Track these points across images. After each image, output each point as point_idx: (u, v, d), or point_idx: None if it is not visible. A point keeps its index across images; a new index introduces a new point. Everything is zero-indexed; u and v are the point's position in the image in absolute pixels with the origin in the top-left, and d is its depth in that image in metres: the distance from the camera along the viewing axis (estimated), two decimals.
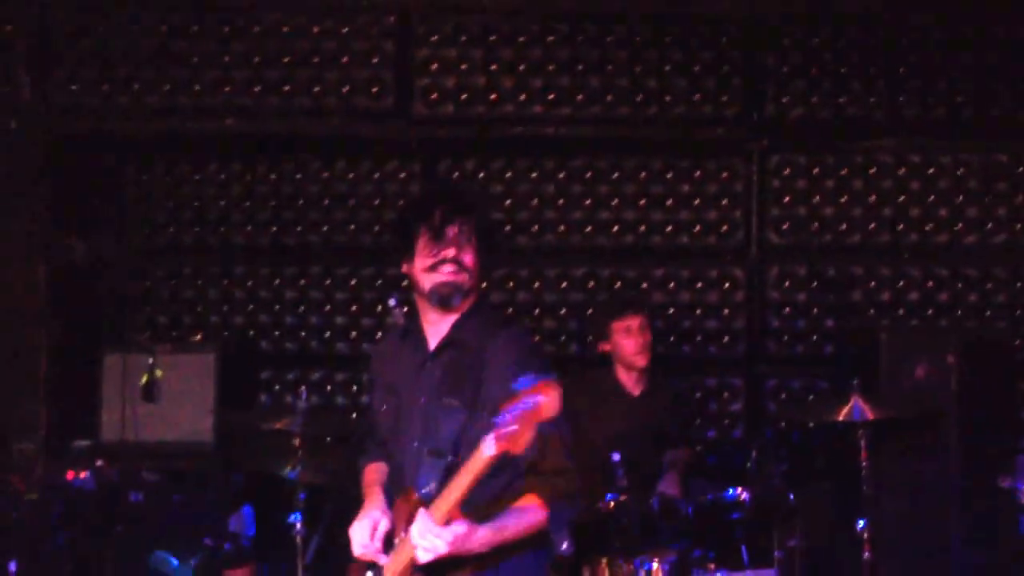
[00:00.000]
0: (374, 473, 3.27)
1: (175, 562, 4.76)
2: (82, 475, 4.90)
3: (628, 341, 4.87)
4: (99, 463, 5.11)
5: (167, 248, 6.13)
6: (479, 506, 2.89)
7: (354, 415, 5.91)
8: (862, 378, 4.56)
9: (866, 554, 4.36)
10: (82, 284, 5.95)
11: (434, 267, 3.04)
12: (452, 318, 3.09)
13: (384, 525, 3.03)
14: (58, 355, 5.68)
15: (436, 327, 3.12)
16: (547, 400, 2.62)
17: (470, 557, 2.89)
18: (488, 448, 2.69)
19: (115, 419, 5.50)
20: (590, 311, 5.68)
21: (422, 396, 3.08)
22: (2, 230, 5.70)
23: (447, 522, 2.81)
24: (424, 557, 2.85)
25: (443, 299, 3.05)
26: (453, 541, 2.80)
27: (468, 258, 3.04)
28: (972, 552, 5.10)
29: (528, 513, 2.96)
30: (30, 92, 5.77)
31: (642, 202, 5.99)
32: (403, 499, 3.00)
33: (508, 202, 5.99)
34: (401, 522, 2.98)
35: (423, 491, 2.94)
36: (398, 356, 3.18)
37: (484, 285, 3.19)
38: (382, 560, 3.03)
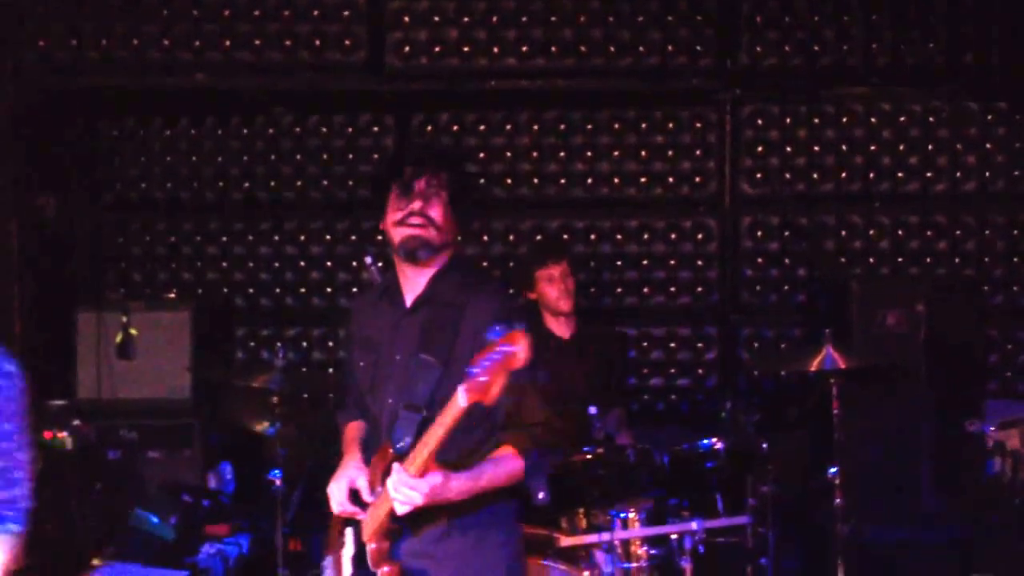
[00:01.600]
0: (353, 430, 3.29)
1: (155, 519, 4.79)
2: (59, 434, 4.91)
3: (551, 288, 4.88)
4: (76, 422, 5.11)
5: (139, 204, 6.09)
6: (456, 458, 2.92)
7: (330, 371, 5.93)
8: (834, 327, 4.60)
9: (837, 500, 4.42)
10: (54, 242, 5.90)
11: (401, 221, 3.04)
12: (428, 274, 3.10)
13: (361, 482, 3.06)
14: (31, 314, 5.65)
15: (413, 283, 3.12)
16: (516, 350, 2.64)
17: (445, 507, 2.92)
18: (461, 399, 2.72)
19: (91, 377, 5.50)
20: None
21: (398, 352, 3.09)
22: None
23: (422, 474, 2.83)
24: (401, 509, 2.88)
25: (409, 252, 3.06)
26: (429, 492, 2.83)
27: (435, 212, 3.04)
28: (942, 497, 5.19)
29: (504, 463, 2.99)
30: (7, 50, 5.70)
31: (616, 153, 5.99)
32: (379, 455, 3.03)
33: (482, 155, 5.99)
34: (378, 477, 3.01)
35: (398, 446, 2.96)
36: (376, 312, 3.19)
37: (459, 239, 3.18)
38: (360, 516, 3.06)
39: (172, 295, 5.94)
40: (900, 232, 5.92)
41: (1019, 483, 4.68)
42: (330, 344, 6.03)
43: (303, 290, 6.07)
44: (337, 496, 3.09)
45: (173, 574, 4.53)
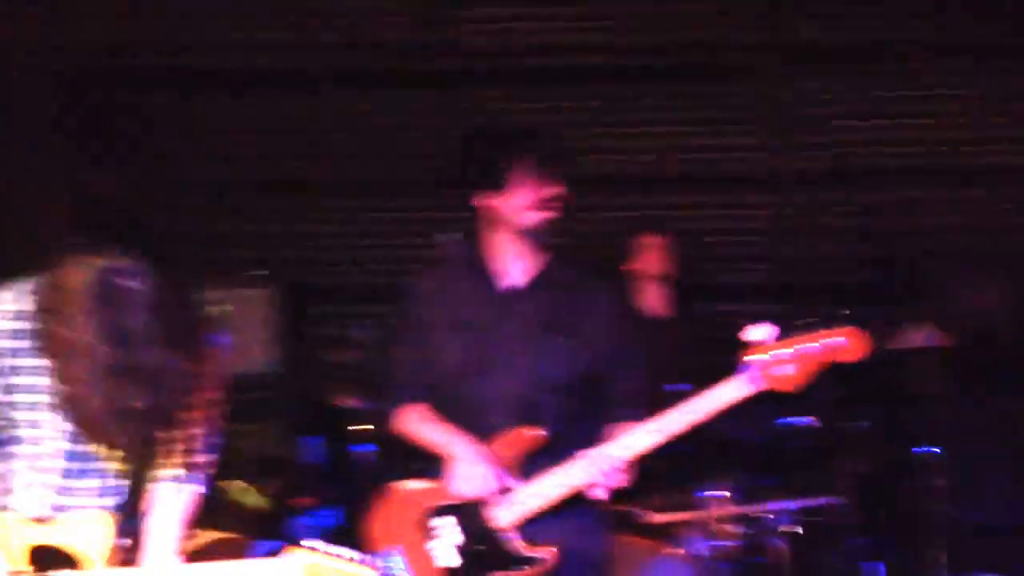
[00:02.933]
0: (431, 412, 3.18)
1: (248, 491, 4.88)
2: None
3: (651, 256, 4.95)
4: None
5: (215, 184, 6.16)
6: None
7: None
8: (917, 304, 4.58)
9: (938, 482, 4.42)
10: (118, 221, 5.97)
11: (543, 204, 3.05)
12: (538, 255, 3.10)
13: (497, 468, 3.01)
14: None
15: (516, 264, 3.11)
16: (850, 344, 2.65)
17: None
18: (746, 385, 2.75)
19: None
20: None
21: (509, 333, 3.06)
22: (35, 168, 5.71)
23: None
24: (601, 494, 2.94)
25: (542, 236, 3.08)
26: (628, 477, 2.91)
27: (564, 195, 3.09)
28: None
29: None
30: (53, 31, 5.73)
31: (679, 129, 5.95)
32: (509, 438, 3.00)
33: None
34: (509, 462, 3.00)
35: (540, 432, 2.96)
36: (465, 292, 3.14)
37: None
38: (502, 499, 3.02)
39: (254, 272, 6.03)
40: (969, 206, 5.84)
41: None
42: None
43: (373, 266, 6.11)
44: (482, 482, 3.00)
45: (270, 544, 4.61)
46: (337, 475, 5.33)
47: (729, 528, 4.20)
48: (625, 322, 3.11)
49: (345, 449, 5.00)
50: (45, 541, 2.68)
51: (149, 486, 2.66)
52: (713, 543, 4.15)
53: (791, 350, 2.67)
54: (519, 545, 3.00)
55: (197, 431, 2.71)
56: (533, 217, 3.06)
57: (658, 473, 4.21)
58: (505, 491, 3.03)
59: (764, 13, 5.74)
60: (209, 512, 4.85)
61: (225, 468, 5.05)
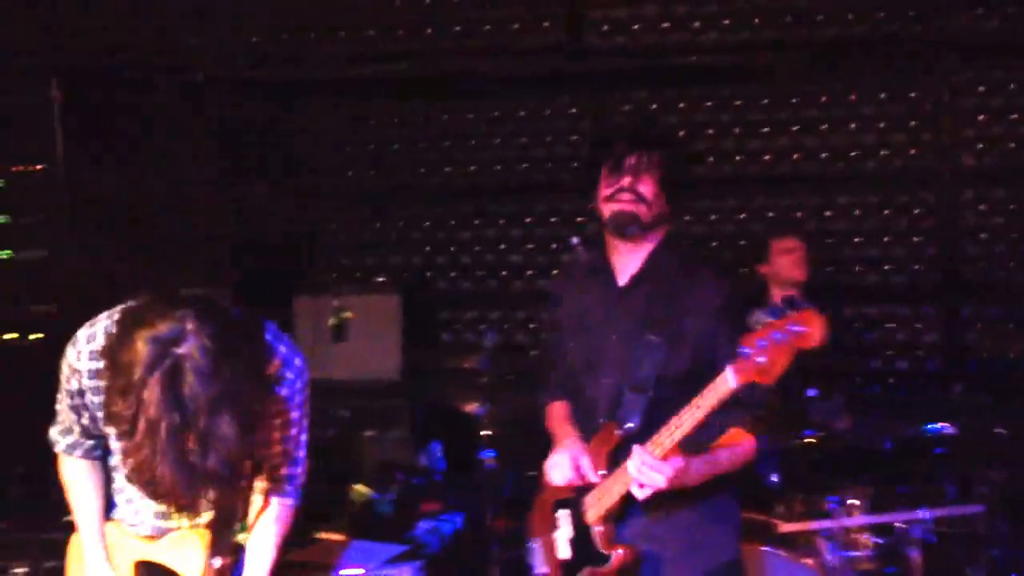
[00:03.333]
0: (560, 410, 3.27)
1: (374, 495, 4.93)
2: None
3: (786, 259, 4.91)
4: None
5: (346, 191, 6.27)
6: (692, 439, 2.86)
7: (533, 352, 5.97)
8: None
9: None
10: (266, 228, 6.13)
11: (611, 196, 3.03)
12: (644, 251, 3.07)
13: (585, 461, 3.04)
14: (252, 299, 5.87)
15: (626, 261, 3.10)
16: (811, 331, 2.55)
17: (672, 494, 2.87)
18: (730, 379, 2.66)
19: (307, 359, 5.68)
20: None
21: (614, 332, 3.06)
22: (192, 179, 5.90)
23: (665, 457, 2.80)
24: (642, 493, 2.84)
25: (619, 227, 3.04)
26: (672, 476, 2.79)
27: (646, 188, 3.01)
28: None
29: (740, 447, 2.95)
30: (213, 44, 5.94)
31: (823, 127, 5.79)
32: (602, 435, 3.01)
33: (682, 132, 5.90)
34: (600, 457, 2.99)
35: (626, 426, 2.94)
36: (585, 292, 3.17)
37: (673, 218, 3.12)
38: (598, 479, 3.02)
39: (382, 279, 6.10)
40: None
41: None
42: (532, 326, 6.07)
43: (504, 272, 6.13)
44: (563, 472, 3.05)
45: (394, 548, 4.65)
46: (459, 480, 5.34)
47: (862, 538, 4.04)
48: (736, 319, 2.95)
49: (468, 454, 4.99)
50: (149, 557, 2.75)
51: (239, 513, 2.71)
52: (846, 553, 3.99)
53: (767, 340, 2.57)
54: (599, 541, 2.99)
55: (284, 448, 2.74)
56: (608, 209, 3.05)
57: (792, 481, 4.08)
58: (588, 485, 3.03)
59: (910, 4, 5.51)
60: (333, 515, 4.96)
61: (350, 473, 5.18)
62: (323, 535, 4.82)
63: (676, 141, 3.22)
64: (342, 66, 5.99)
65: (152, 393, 2.28)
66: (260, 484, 2.77)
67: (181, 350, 2.30)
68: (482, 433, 4.78)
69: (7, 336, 4.98)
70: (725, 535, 3.07)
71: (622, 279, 3.10)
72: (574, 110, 6.03)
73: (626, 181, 3.00)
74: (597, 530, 2.98)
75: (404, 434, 5.53)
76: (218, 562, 2.68)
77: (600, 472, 2.99)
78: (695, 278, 3.02)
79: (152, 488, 2.39)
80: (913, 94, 5.69)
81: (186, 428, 2.29)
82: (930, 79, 5.67)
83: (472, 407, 4.96)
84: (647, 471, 2.80)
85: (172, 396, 2.28)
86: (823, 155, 5.78)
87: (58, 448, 2.77)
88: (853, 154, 5.75)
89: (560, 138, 6.03)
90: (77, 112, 5.32)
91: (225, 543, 2.70)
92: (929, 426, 4.10)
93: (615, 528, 2.98)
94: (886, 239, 5.72)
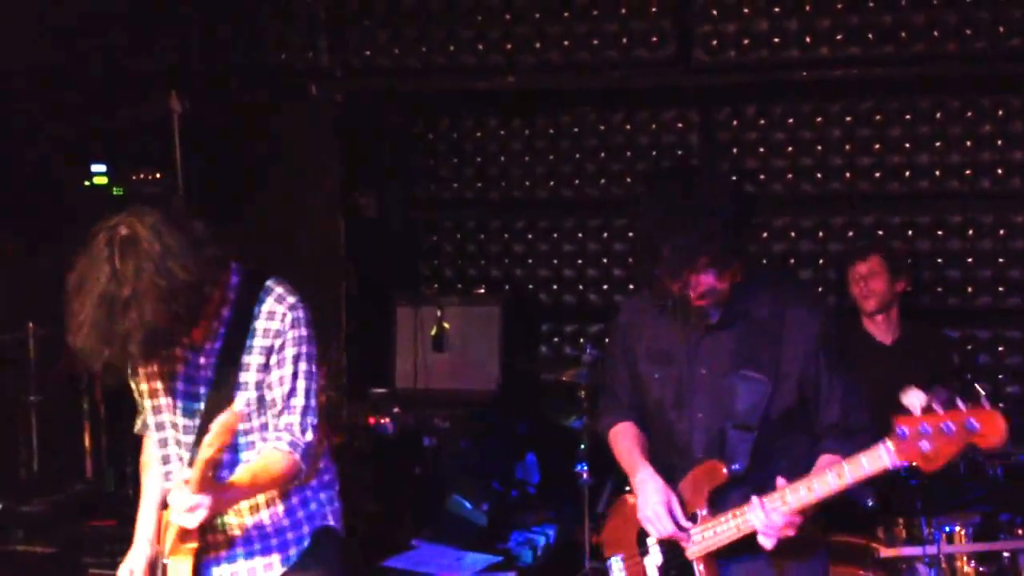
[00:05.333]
0: (629, 434, 3.18)
1: (468, 505, 4.96)
2: (383, 420, 5.18)
3: (856, 287, 4.80)
4: (396, 409, 5.38)
5: (451, 203, 6.34)
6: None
7: None
8: None
9: None
10: (374, 239, 6.24)
11: (681, 293, 2.93)
12: (736, 284, 2.95)
13: (675, 504, 2.99)
14: (356, 307, 5.98)
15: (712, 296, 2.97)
16: (990, 434, 2.50)
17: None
18: (886, 458, 2.64)
19: (408, 368, 5.77)
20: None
21: (704, 367, 2.98)
22: (305, 188, 6.04)
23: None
24: (769, 543, 2.84)
25: (700, 319, 2.98)
26: (787, 525, 2.80)
27: (707, 282, 2.89)
28: None
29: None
30: (327, 57, 6.07)
31: (938, 144, 5.64)
32: (705, 471, 2.95)
33: (791, 149, 5.81)
34: (700, 495, 2.94)
35: (733, 467, 2.90)
36: (664, 325, 3.05)
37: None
38: (682, 536, 3.00)
39: (482, 290, 6.14)
40: None
41: None
42: None
43: (606, 286, 6.11)
44: (660, 520, 2.99)
45: (488, 558, 4.67)
46: (554, 493, 5.33)
47: (966, 565, 3.91)
48: (834, 347, 2.90)
49: (563, 468, 4.99)
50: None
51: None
52: None
53: (933, 428, 2.51)
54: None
55: (281, 391, 2.79)
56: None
57: (894, 505, 3.98)
58: (681, 528, 2.99)
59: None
60: (429, 523, 5.00)
61: (447, 482, 5.22)
62: (417, 542, 4.87)
63: (718, 212, 2.89)
64: (454, 80, 6.05)
65: (89, 261, 2.58)
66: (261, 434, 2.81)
67: (121, 230, 2.58)
68: (579, 446, 4.77)
69: None
70: (818, 560, 3.03)
71: (712, 315, 2.98)
72: (681, 124, 5.99)
73: (689, 293, 2.89)
74: (699, 569, 2.95)
75: (501, 446, 5.55)
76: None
77: (702, 511, 2.94)
78: (791, 308, 2.93)
79: (80, 353, 2.59)
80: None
81: (115, 295, 2.52)
82: None
83: (569, 420, 4.96)
84: (775, 525, 2.79)
85: (108, 266, 2.55)
86: (936, 172, 5.64)
87: (136, 430, 2.97)
88: (968, 172, 5.60)
89: (667, 152, 5.99)
90: (196, 122, 5.50)
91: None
92: None
93: (718, 568, 2.95)
94: (1000, 260, 5.55)
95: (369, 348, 5.95)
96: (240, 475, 2.74)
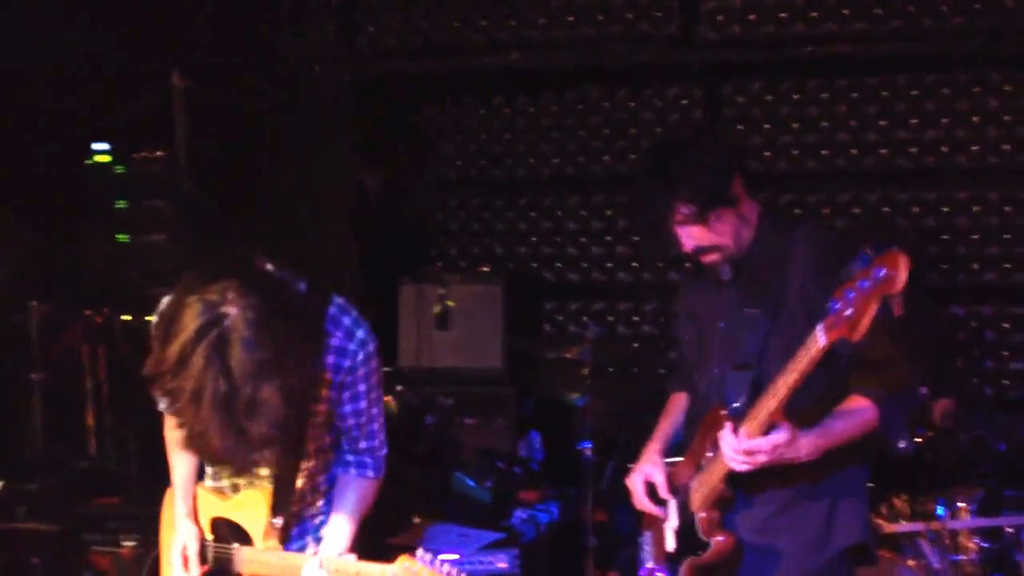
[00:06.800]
0: (673, 406, 3.23)
1: (472, 483, 4.95)
2: (386, 399, 5.16)
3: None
4: (399, 388, 5.37)
5: (455, 182, 6.32)
6: (803, 409, 2.73)
7: (635, 344, 5.92)
8: None
9: None
10: (380, 217, 6.22)
11: (691, 260, 2.97)
12: (749, 238, 2.94)
13: (658, 478, 3.01)
14: (360, 285, 5.97)
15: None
16: (893, 272, 2.41)
17: (791, 471, 2.76)
18: (820, 337, 2.54)
19: (412, 346, 5.76)
20: None
21: (721, 319, 2.98)
22: (312, 168, 6.02)
23: (766, 431, 2.69)
24: (742, 467, 2.74)
25: (716, 275, 2.97)
26: (770, 449, 2.68)
27: (703, 239, 2.88)
28: None
29: (857, 414, 2.79)
30: (335, 39, 6.04)
31: (945, 120, 5.59)
32: (709, 419, 2.92)
33: (797, 125, 5.77)
34: (707, 441, 2.91)
35: (733, 406, 2.83)
36: (700, 286, 3.10)
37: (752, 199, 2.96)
38: (661, 513, 3.01)
39: (486, 269, 6.12)
40: None
41: None
42: (635, 319, 6.01)
43: (609, 264, 6.09)
44: (636, 491, 3.05)
45: (490, 535, 4.67)
46: (558, 471, 5.32)
47: (969, 541, 3.88)
48: (837, 269, 2.69)
49: (567, 445, 4.98)
50: (223, 514, 2.86)
51: (299, 473, 2.75)
52: (950, 556, 3.84)
53: (854, 290, 2.45)
54: (701, 528, 2.92)
55: (356, 421, 2.78)
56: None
57: (895, 480, 3.96)
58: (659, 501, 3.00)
59: None
60: (432, 501, 5.00)
61: (450, 460, 5.21)
62: (419, 519, 4.87)
63: (696, 164, 2.87)
64: (458, 59, 6.02)
65: (198, 362, 2.34)
66: (333, 455, 2.82)
67: (227, 321, 2.36)
68: (582, 424, 4.76)
69: (124, 317, 5.15)
70: (851, 516, 2.89)
71: (727, 269, 2.98)
72: (686, 101, 5.96)
73: (688, 249, 2.90)
74: (700, 516, 2.90)
75: (505, 423, 5.54)
76: (279, 521, 2.77)
77: (707, 456, 2.90)
78: (795, 242, 2.89)
79: (206, 454, 2.48)
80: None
81: (233, 395, 2.34)
82: None
83: (573, 398, 4.95)
84: (734, 451, 2.71)
85: (218, 365, 2.34)
86: (943, 149, 5.59)
87: (160, 407, 2.87)
88: (974, 148, 5.54)
89: (671, 129, 5.95)
90: (201, 100, 5.47)
91: (285, 503, 2.77)
92: None
93: (721, 516, 2.89)
94: (1006, 236, 5.51)
95: (375, 328, 5.91)
96: (344, 519, 2.77)
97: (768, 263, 2.90)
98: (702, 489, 2.93)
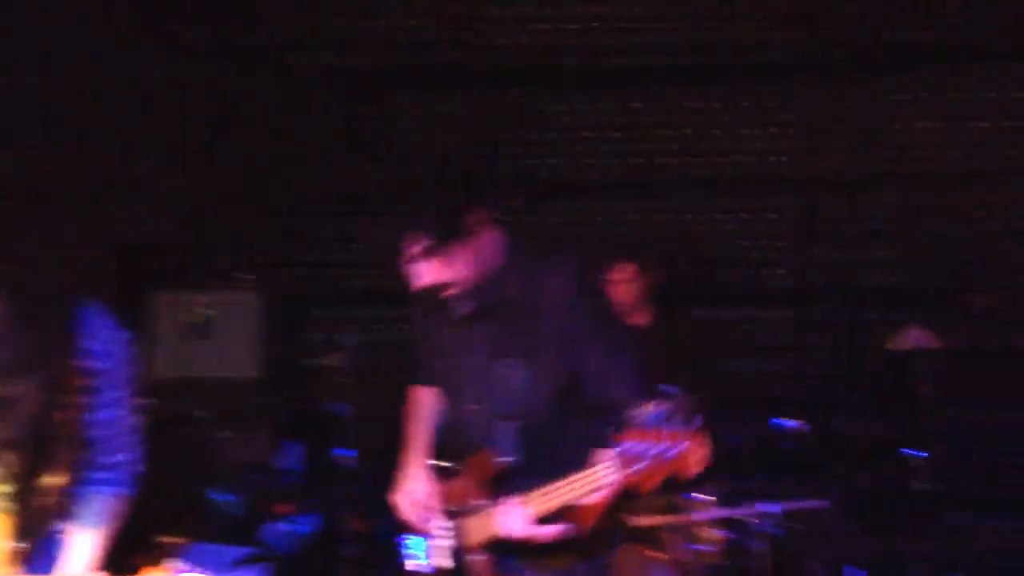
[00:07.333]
0: (422, 406, 3.14)
1: (227, 497, 4.79)
2: (139, 409, 4.93)
3: (620, 289, 4.76)
4: (152, 400, 5.13)
5: (218, 189, 6.13)
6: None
7: (398, 352, 5.88)
8: (925, 308, 4.41)
9: (927, 485, 4.24)
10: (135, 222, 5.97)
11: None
12: (489, 274, 2.87)
13: (427, 498, 2.97)
14: (115, 294, 5.68)
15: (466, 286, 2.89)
16: (693, 458, 2.44)
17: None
18: (612, 474, 2.53)
19: (168, 356, 5.54)
20: None
21: (469, 357, 2.91)
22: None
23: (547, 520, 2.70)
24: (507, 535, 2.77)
25: (454, 311, 2.90)
26: (551, 537, 2.71)
27: (439, 275, 2.79)
28: None
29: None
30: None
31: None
32: (479, 461, 2.88)
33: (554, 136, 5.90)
34: (475, 482, 2.88)
35: (506, 459, 2.82)
36: (436, 311, 2.96)
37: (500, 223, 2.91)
38: (435, 528, 2.97)
39: (245, 277, 5.96)
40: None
41: None
42: (398, 327, 5.98)
43: (373, 271, 6.03)
44: (406, 510, 2.99)
45: (241, 550, 4.52)
46: (318, 481, 5.22)
47: (714, 532, 4.02)
48: (594, 312, 2.84)
49: (328, 454, 4.89)
50: None
51: (43, 489, 2.59)
52: (697, 547, 3.97)
53: (650, 446, 2.45)
54: (475, 569, 2.89)
55: (105, 433, 2.64)
56: None
57: None
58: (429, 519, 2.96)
59: (788, 15, 5.60)
60: (185, 517, 4.80)
61: (205, 474, 5.03)
62: (171, 536, 4.66)
63: (427, 199, 2.87)
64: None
65: None
66: (82, 469, 2.65)
67: None
68: (344, 433, 4.69)
69: None
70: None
71: (470, 304, 2.88)
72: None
73: (423, 282, 2.80)
74: (476, 558, 2.87)
75: (264, 434, 5.39)
76: (24, 545, 2.58)
77: (476, 502, 2.87)
78: (544, 281, 2.83)
79: None
80: (774, 104, 5.78)
81: None
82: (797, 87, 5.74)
83: (334, 406, 4.87)
84: (521, 528, 2.71)
85: None
86: (693, 160, 5.84)
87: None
88: (725, 160, 5.82)
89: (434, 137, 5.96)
90: None
91: (30, 523, 2.59)
92: (779, 421, 4.12)
93: (496, 558, 2.85)
94: (740, 242, 5.79)
95: (128, 335, 5.66)
96: (88, 536, 2.62)
97: (518, 300, 2.84)
98: (473, 534, 2.88)
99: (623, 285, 4.76)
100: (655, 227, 5.82)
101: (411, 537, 3.07)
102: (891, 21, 5.61)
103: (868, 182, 5.74)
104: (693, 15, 5.73)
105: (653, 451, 2.45)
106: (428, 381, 3.16)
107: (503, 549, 2.84)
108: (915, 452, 4.20)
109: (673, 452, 2.44)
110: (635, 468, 2.47)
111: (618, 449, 2.49)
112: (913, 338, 4.25)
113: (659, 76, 5.82)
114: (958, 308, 5.02)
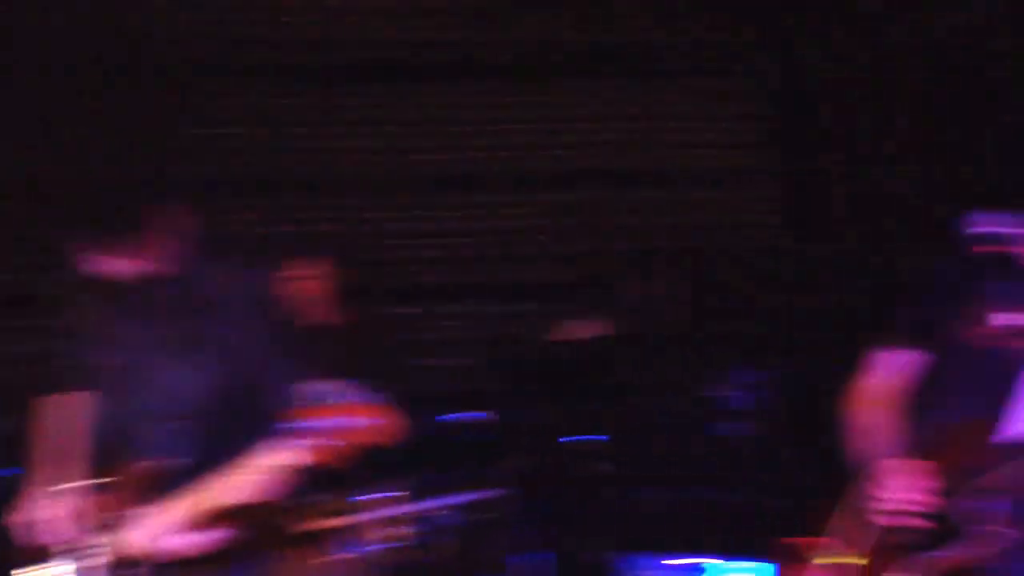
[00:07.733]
0: (55, 420, 2.93)
1: None
2: None
3: (306, 285, 4.69)
4: None
5: None
6: None
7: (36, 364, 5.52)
8: (595, 297, 4.60)
9: (602, 465, 4.41)
10: None
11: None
12: (166, 265, 2.75)
13: (71, 515, 2.77)
14: None
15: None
16: (378, 429, 2.42)
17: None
18: (279, 457, 2.47)
19: None
20: None
21: (131, 350, 2.77)
22: None
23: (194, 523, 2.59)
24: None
25: (118, 300, 2.76)
26: (187, 548, 2.59)
27: (112, 265, 2.69)
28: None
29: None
30: None
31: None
32: (137, 468, 2.72)
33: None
34: (131, 492, 2.71)
35: (165, 462, 2.67)
36: (102, 309, 2.82)
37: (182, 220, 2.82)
38: (87, 546, 2.75)
39: None
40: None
41: None
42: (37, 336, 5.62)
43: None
44: (26, 537, 2.79)
45: None
46: None
47: (399, 529, 4.01)
48: (269, 326, 2.76)
49: None
50: None
51: None
52: (376, 546, 3.94)
53: (334, 422, 2.45)
54: None
55: None
56: None
57: (315, 480, 3.97)
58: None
59: (492, 15, 5.71)
60: None
61: None
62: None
63: (99, 193, 2.75)
64: None
65: None
66: None
67: None
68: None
69: None
70: None
71: (137, 298, 2.75)
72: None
73: (92, 270, 2.70)
74: (130, 572, 2.67)
75: None
76: None
77: (132, 511, 2.68)
78: (218, 276, 2.76)
79: None
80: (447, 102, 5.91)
81: None
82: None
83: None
84: (140, 542, 2.60)
85: None
86: (375, 159, 5.86)
87: None
88: (416, 156, 5.87)
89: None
90: None
91: None
92: (456, 415, 4.17)
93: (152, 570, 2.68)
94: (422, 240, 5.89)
95: None
96: None
97: (193, 297, 2.74)
98: (129, 546, 2.69)
99: (309, 283, 4.70)
100: (342, 226, 5.78)
101: (31, 570, 2.81)
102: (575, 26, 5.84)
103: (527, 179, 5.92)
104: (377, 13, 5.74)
105: (327, 424, 2.43)
106: (82, 384, 2.94)
107: (158, 560, 2.69)
108: (595, 437, 4.36)
109: (351, 423, 2.44)
110: (309, 443, 2.44)
111: (289, 427, 2.46)
112: (576, 328, 4.43)
113: (349, 73, 5.80)
114: (613, 298, 5.29)
